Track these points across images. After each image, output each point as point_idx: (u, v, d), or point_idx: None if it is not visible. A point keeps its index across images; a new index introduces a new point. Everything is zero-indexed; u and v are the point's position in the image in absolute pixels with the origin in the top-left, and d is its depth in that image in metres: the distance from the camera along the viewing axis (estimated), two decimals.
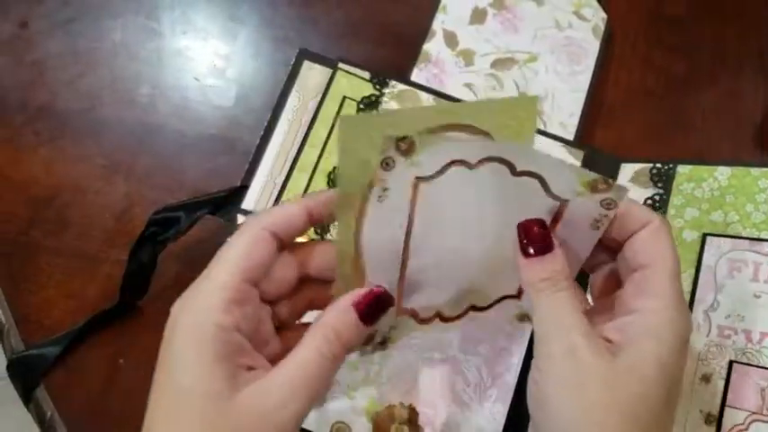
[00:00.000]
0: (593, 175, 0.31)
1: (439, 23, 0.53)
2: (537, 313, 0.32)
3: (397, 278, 0.34)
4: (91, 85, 0.54)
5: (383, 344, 0.37)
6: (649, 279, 0.32)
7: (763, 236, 0.43)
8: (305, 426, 0.42)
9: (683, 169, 0.48)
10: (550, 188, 0.32)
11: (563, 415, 0.30)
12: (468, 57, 0.52)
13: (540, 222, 0.33)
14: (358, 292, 0.33)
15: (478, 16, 0.54)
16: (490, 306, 0.38)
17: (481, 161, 0.31)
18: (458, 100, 0.50)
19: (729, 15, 0.57)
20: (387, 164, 0.30)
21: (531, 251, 0.32)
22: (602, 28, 0.55)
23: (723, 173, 0.46)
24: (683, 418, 0.40)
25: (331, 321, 0.31)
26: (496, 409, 0.43)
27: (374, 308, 0.32)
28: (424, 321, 0.37)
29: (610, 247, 0.35)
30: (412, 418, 0.42)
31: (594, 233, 0.33)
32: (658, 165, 0.48)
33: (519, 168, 0.31)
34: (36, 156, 0.52)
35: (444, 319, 0.38)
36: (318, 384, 0.30)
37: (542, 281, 0.32)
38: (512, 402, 0.43)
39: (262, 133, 0.49)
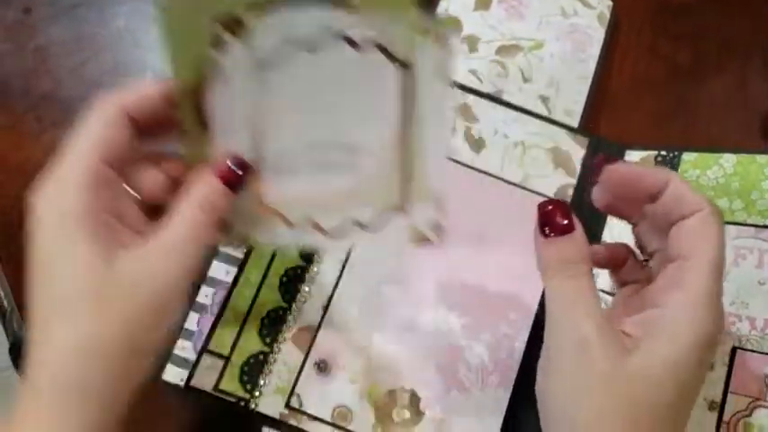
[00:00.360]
0: (425, 21, 0.30)
1: (443, 9, 0.53)
2: (550, 298, 0.31)
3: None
4: (94, 71, 0.54)
5: (245, 240, 0.35)
6: (685, 271, 0.30)
7: None
8: (306, 409, 0.42)
9: (688, 157, 0.47)
10: (394, 54, 0.31)
11: (565, 412, 0.30)
12: (472, 43, 0.52)
13: (562, 204, 0.32)
14: (219, 162, 0.33)
15: (483, 2, 0.53)
16: (377, 225, 0.35)
17: (321, 43, 0.31)
18: (462, 87, 0.50)
19: (736, 4, 0.57)
20: (218, 44, 0.30)
21: (549, 231, 0.31)
22: (608, 15, 0.54)
23: (728, 160, 0.46)
24: None
25: (199, 191, 0.32)
26: (499, 395, 0.43)
27: (237, 173, 0.33)
28: (292, 225, 0.35)
29: (656, 230, 0.33)
30: (413, 402, 0.42)
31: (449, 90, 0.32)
32: (663, 152, 0.48)
33: (357, 39, 0.31)
34: (38, 143, 0.52)
35: (323, 232, 0.35)
36: (193, 250, 0.31)
37: (559, 263, 0.31)
38: (514, 388, 0.43)
39: None
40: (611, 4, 0.55)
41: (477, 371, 0.43)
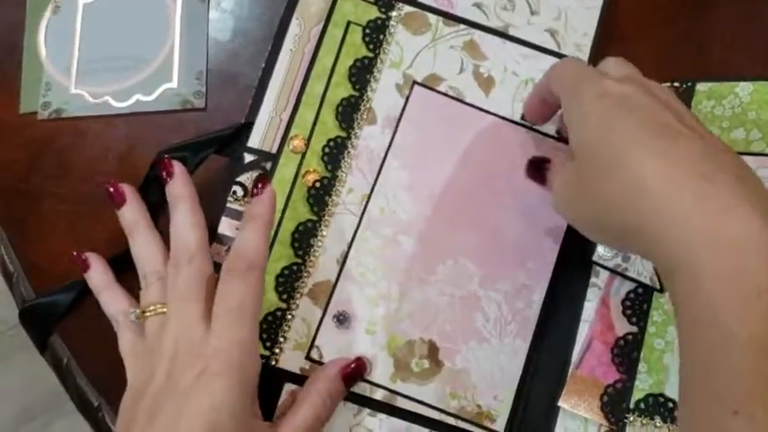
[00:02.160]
0: None
1: None
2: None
3: None
4: None
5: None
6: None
7: None
8: (325, 362, 0.42)
9: (702, 87, 0.46)
10: None
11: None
12: None
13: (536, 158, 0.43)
14: (344, 361, 0.40)
15: None
16: (152, 90, 0.47)
17: None
18: (468, 22, 0.48)
19: None
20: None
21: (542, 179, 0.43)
22: None
23: (744, 89, 0.45)
24: None
25: (324, 387, 0.39)
26: (517, 345, 0.43)
27: (357, 375, 0.41)
28: None
29: None
30: (432, 352, 0.42)
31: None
32: (676, 84, 0.47)
33: None
34: None
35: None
36: None
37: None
38: (532, 339, 0.43)
39: (263, 66, 0.47)
40: None
41: (496, 321, 0.43)
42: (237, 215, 0.44)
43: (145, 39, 0.51)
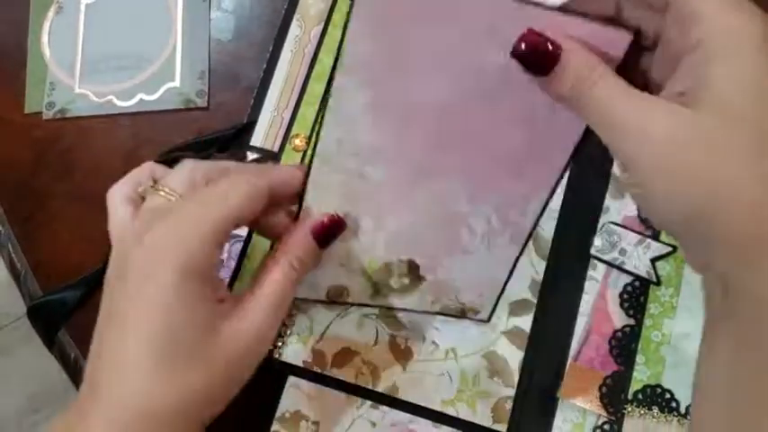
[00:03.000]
0: None
1: None
2: (589, 120, 0.28)
3: None
4: None
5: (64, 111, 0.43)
6: (682, 4, 0.26)
7: None
8: (299, 295, 0.41)
9: None
10: None
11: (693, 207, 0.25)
12: None
13: (531, 32, 0.28)
14: (315, 220, 0.35)
15: None
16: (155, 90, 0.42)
17: None
18: None
19: None
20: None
21: (542, 66, 0.27)
22: None
23: None
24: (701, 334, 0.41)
25: (293, 248, 0.34)
26: (506, 253, 0.39)
27: (332, 235, 0.36)
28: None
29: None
30: (412, 269, 0.40)
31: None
32: None
33: None
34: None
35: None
36: (285, 307, 0.33)
37: (574, 88, 0.27)
38: (524, 246, 0.39)
39: (265, 66, 0.48)
40: None
41: (484, 235, 0.38)
42: None
43: (147, 38, 0.52)
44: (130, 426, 0.29)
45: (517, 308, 0.44)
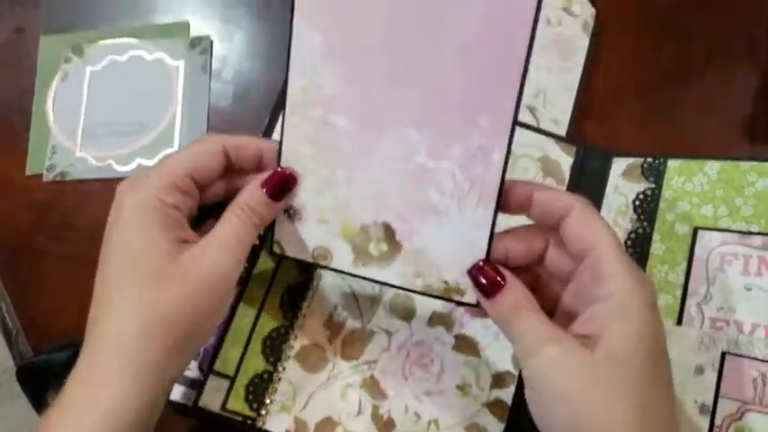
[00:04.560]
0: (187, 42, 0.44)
1: None
2: (511, 339, 0.36)
3: None
4: None
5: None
6: (597, 262, 0.34)
7: (752, 229, 0.44)
8: (288, 254, 0.42)
9: (673, 164, 0.49)
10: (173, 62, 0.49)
11: (566, 427, 0.33)
12: None
13: (485, 264, 0.37)
14: (266, 174, 0.39)
15: None
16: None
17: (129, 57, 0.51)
18: None
19: (720, 8, 0.58)
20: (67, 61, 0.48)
21: (489, 292, 0.36)
22: (591, 24, 0.55)
23: (713, 167, 0.47)
24: (678, 409, 0.42)
25: (244, 199, 0.38)
26: (479, 215, 0.38)
27: (280, 187, 0.39)
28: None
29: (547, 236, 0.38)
30: (388, 234, 0.40)
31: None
32: (649, 159, 0.49)
33: (150, 56, 0.52)
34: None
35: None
36: (242, 249, 0.37)
37: (507, 314, 0.36)
38: (495, 205, 0.38)
39: (262, 132, 0.50)
40: (594, 11, 0.56)
41: (452, 194, 0.39)
42: None
43: (148, 105, 0.54)
44: (103, 353, 0.34)
45: (499, 380, 0.45)
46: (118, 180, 0.51)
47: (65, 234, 0.51)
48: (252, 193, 0.38)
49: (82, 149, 0.54)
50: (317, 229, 0.40)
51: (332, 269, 0.41)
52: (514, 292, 0.36)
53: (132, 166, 0.53)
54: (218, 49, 0.56)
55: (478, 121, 0.36)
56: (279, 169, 0.39)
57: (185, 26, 0.57)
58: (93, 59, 0.56)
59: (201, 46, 0.56)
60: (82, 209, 0.52)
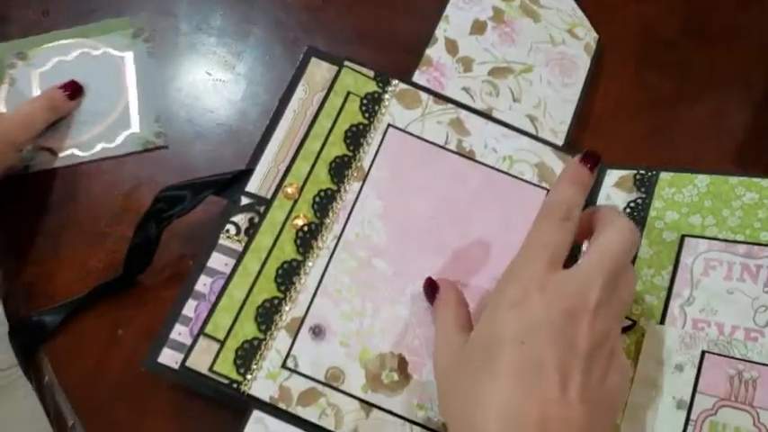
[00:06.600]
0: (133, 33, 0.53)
1: (441, 31, 0.56)
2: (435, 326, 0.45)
3: None
4: None
5: (26, 168, 0.52)
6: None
7: (737, 238, 0.46)
8: (301, 370, 0.44)
9: (665, 176, 0.50)
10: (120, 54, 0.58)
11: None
12: (467, 63, 0.55)
13: (427, 280, 0.47)
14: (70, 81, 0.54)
15: (479, 28, 0.57)
16: (114, 138, 0.55)
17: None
18: (456, 102, 0.53)
19: (718, 40, 0.61)
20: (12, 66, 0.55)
21: (432, 297, 0.46)
22: (594, 47, 0.58)
23: (703, 180, 0.49)
24: (655, 404, 0.42)
25: (48, 91, 0.54)
26: None
27: (72, 89, 0.54)
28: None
29: None
30: (402, 366, 0.45)
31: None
32: (642, 171, 0.51)
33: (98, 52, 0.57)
34: None
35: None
36: (29, 120, 0.52)
37: (436, 308, 0.46)
38: None
39: (268, 122, 0.52)
40: (596, 36, 0.59)
41: None
42: (228, 251, 0.47)
43: (101, 95, 0.55)
44: None
45: None
46: (83, 165, 0.53)
47: (68, 203, 0.52)
48: (53, 88, 0.54)
49: (41, 143, 0.54)
50: (336, 350, 0.45)
51: (343, 392, 0.44)
52: (445, 295, 0.46)
53: (96, 150, 0.54)
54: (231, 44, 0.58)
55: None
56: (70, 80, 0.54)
57: (125, 21, 0.58)
58: (39, 62, 0.56)
59: (144, 35, 0.58)
60: (89, 181, 0.53)
